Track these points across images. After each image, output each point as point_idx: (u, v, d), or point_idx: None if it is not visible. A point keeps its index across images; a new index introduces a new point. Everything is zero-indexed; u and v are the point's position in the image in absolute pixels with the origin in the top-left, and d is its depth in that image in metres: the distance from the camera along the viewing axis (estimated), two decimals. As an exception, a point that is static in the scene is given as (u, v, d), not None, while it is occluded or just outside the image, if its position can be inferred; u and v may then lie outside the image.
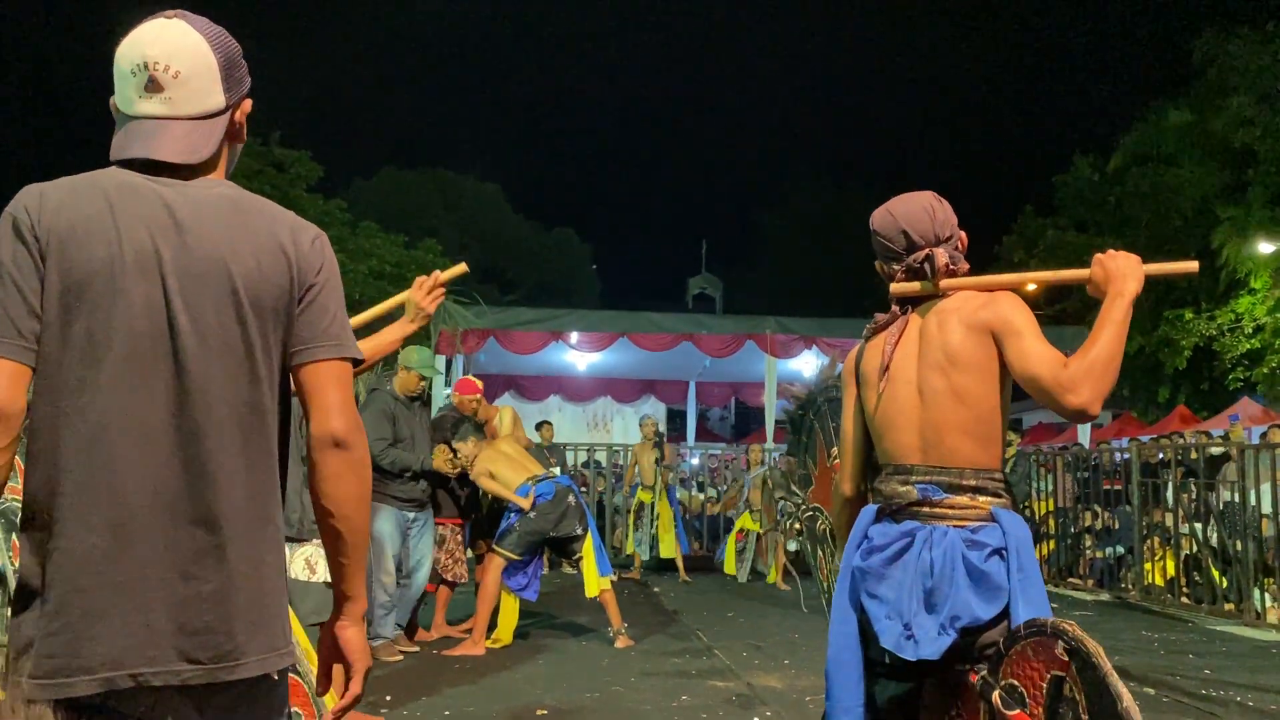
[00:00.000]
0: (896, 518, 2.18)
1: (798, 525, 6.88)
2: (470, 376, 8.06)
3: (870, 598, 2.16)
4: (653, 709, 4.83)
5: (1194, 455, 9.91)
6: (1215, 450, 10.11)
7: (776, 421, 13.11)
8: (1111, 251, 2.11)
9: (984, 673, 2.04)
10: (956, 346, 2.14)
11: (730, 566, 10.79)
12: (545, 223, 38.16)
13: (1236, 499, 8.49)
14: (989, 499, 2.13)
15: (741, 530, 10.86)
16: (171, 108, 1.48)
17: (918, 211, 2.29)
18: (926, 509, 2.14)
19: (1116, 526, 10.03)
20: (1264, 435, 11.11)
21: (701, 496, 13.76)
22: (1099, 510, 10.34)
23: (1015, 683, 1.96)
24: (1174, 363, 22.42)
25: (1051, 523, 10.81)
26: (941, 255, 2.25)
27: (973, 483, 2.13)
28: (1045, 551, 10.68)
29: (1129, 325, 2.03)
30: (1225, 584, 8.37)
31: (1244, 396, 19.68)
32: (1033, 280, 2.35)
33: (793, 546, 9.61)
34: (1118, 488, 10.16)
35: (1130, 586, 9.30)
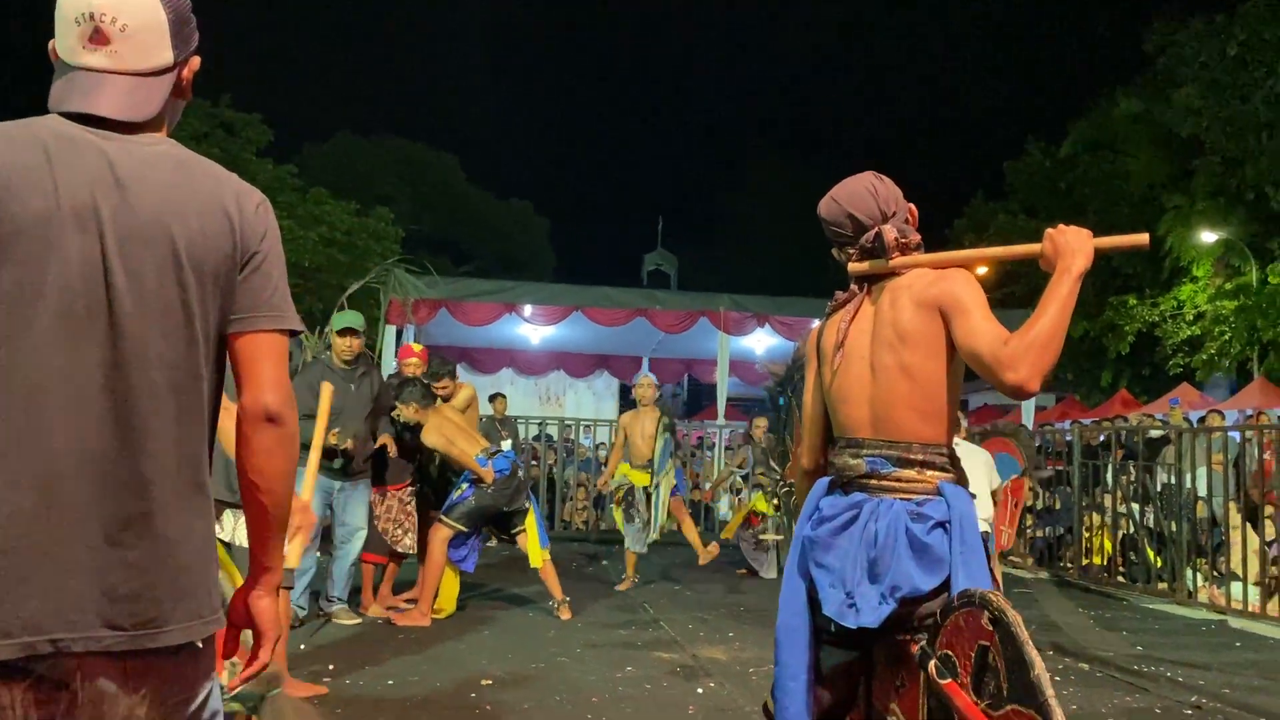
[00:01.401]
0: (846, 489, 2.23)
1: (776, 500, 6.99)
2: (410, 343, 8.02)
3: (817, 567, 2.20)
4: (597, 680, 4.86)
5: (1136, 439, 10.12)
6: (1155, 433, 10.34)
7: (739, 399, 13.18)
8: (1062, 226, 2.12)
9: (923, 643, 2.08)
10: (906, 323, 2.18)
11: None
12: (502, 195, 37.87)
13: (1173, 481, 8.70)
14: (936, 473, 2.17)
15: (757, 514, 9.01)
16: (117, 62, 1.43)
17: (860, 192, 2.33)
18: (875, 481, 2.18)
19: (1057, 507, 10.23)
20: (1202, 420, 11.39)
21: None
22: (1040, 490, 10.54)
23: (949, 653, 2.00)
24: (1117, 347, 22.90)
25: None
26: (890, 231, 2.29)
27: (920, 457, 2.17)
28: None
29: (1075, 301, 2.02)
30: (1160, 564, 8.59)
31: (1183, 382, 20.13)
32: (985, 256, 2.35)
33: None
34: (1060, 469, 10.35)
35: (1069, 565, 9.50)
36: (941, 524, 2.11)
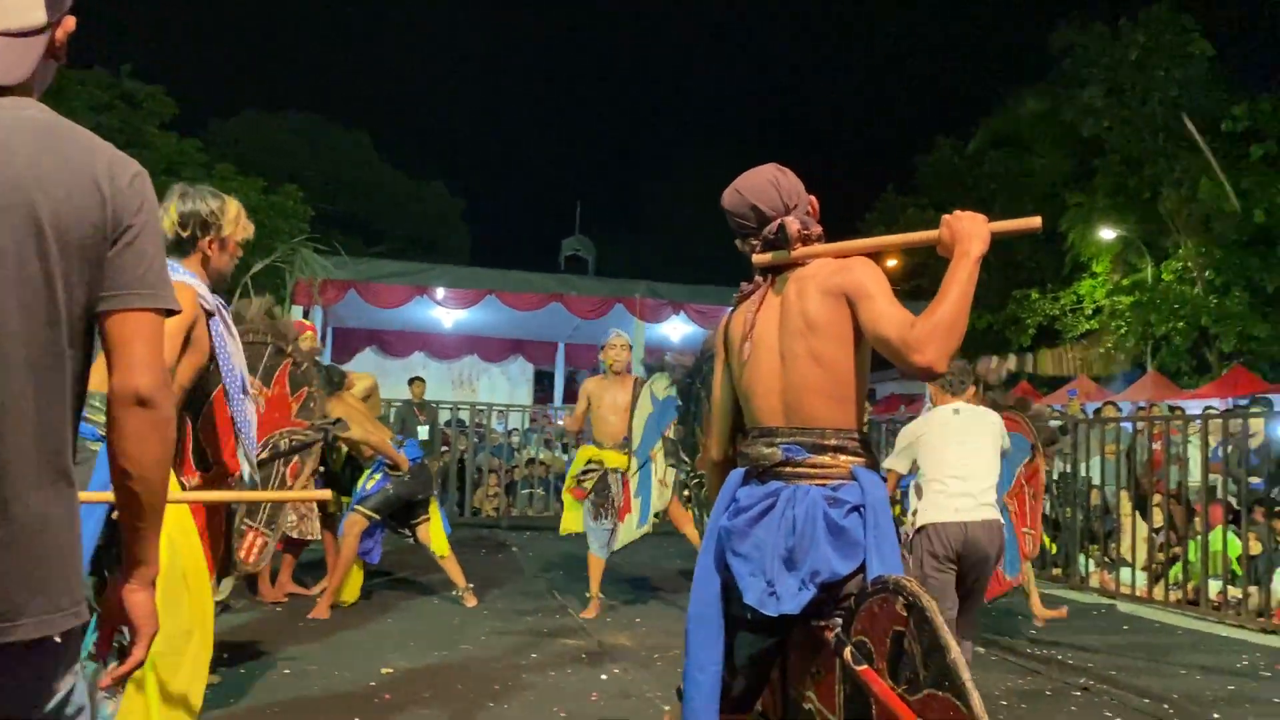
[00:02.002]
0: (762, 479, 2.24)
1: (687, 492, 6.81)
2: (300, 319, 7.79)
3: (735, 556, 2.21)
4: (501, 667, 4.82)
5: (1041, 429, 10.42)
6: (1053, 423, 10.65)
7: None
8: (958, 212, 2.20)
9: (838, 630, 2.10)
10: (814, 312, 2.21)
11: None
12: (417, 175, 37.24)
13: (1069, 470, 8.99)
14: (849, 458, 2.21)
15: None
16: None
17: (763, 185, 2.37)
18: (790, 469, 2.20)
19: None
20: (1097, 411, 11.78)
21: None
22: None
23: (865, 639, 2.03)
24: (1019, 340, 23.59)
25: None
26: (793, 223, 2.32)
27: (833, 442, 2.20)
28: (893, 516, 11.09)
29: (975, 284, 2.07)
30: (1055, 550, 8.87)
31: (1081, 374, 20.82)
32: (884, 244, 2.39)
33: None
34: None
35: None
36: (857, 508, 2.14)
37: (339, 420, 3.79)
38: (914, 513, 4.56)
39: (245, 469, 2.99)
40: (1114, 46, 21.16)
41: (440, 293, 13.80)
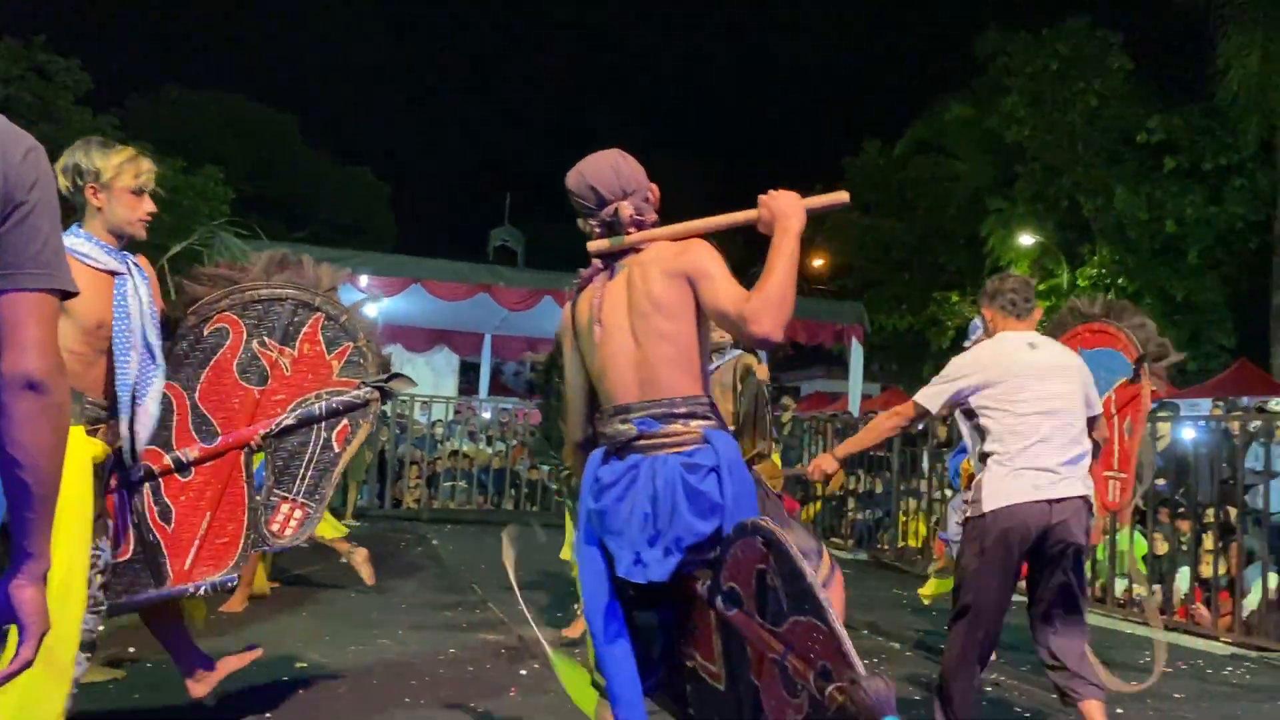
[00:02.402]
0: (620, 454, 2.34)
1: (558, 485, 6.82)
2: None
3: (607, 534, 2.32)
4: (419, 662, 4.76)
5: (958, 430, 10.64)
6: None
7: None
8: (774, 192, 2.31)
9: (708, 583, 2.20)
10: (659, 293, 2.33)
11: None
12: (344, 159, 36.56)
13: (984, 469, 9.18)
14: (700, 422, 2.32)
15: None
16: None
17: (603, 168, 2.49)
18: (646, 441, 2.30)
19: (879, 491, 10.67)
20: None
21: (490, 451, 13.68)
22: (862, 475, 10.97)
23: (734, 585, 2.12)
24: (939, 342, 24.09)
25: (819, 485, 11.38)
26: (626, 208, 2.44)
27: (684, 410, 2.32)
28: (812, 512, 11.25)
29: (798, 256, 2.24)
30: (968, 547, 9.05)
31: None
32: (711, 225, 2.45)
33: None
34: (881, 454, 10.79)
35: (886, 547, 9.92)
36: (713, 469, 2.24)
37: (399, 374, 3.49)
38: (972, 492, 3.60)
39: (128, 443, 2.84)
40: (1037, 56, 21.70)
41: (364, 280, 13.56)
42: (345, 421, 3.36)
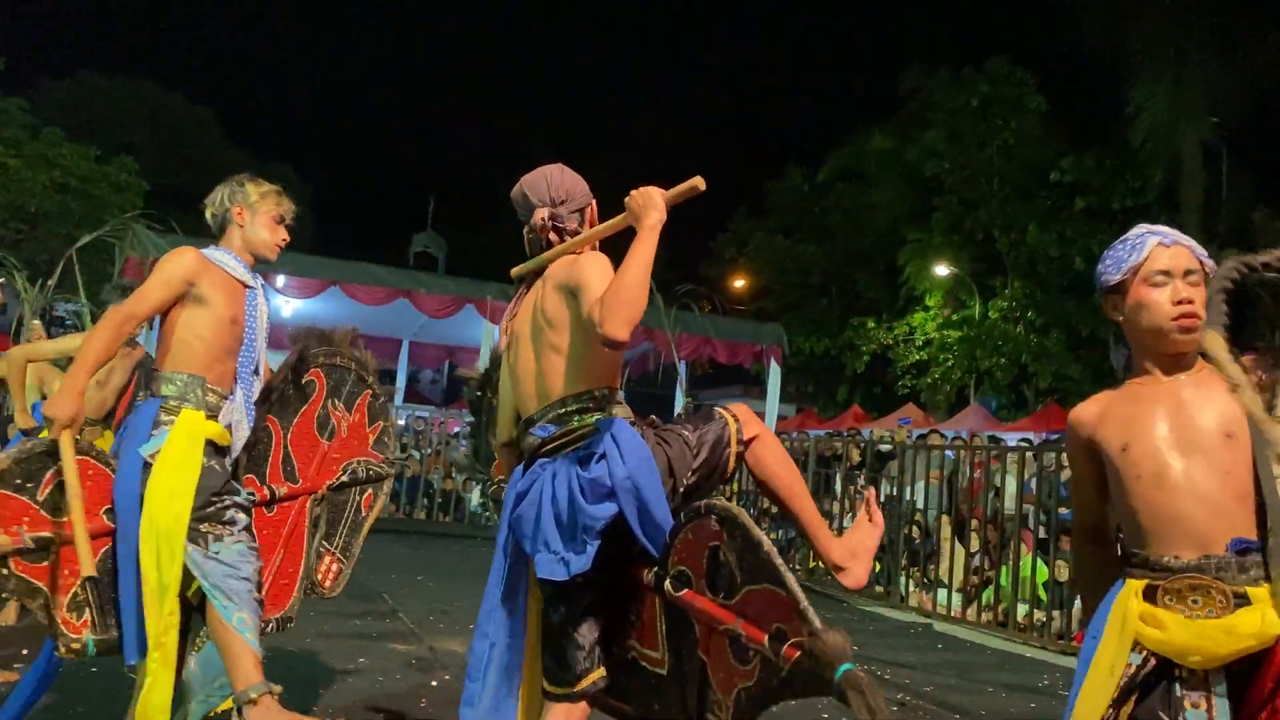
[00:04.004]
0: (529, 464, 2.43)
1: (484, 499, 6.81)
2: None
3: (524, 539, 2.39)
4: (327, 672, 4.66)
5: (873, 452, 10.85)
6: (883, 447, 11.13)
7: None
8: (637, 190, 2.33)
9: (655, 569, 2.24)
10: (549, 309, 2.40)
11: None
12: (263, 156, 35.79)
13: (895, 493, 9.38)
14: (593, 414, 2.36)
15: None
16: None
17: (537, 177, 2.58)
18: (549, 447, 2.38)
19: (792, 512, 10.80)
20: (923, 438, 12.35)
21: (404, 458, 13.48)
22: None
23: (683, 567, 2.17)
24: (854, 366, 24.53)
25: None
26: (540, 213, 2.52)
27: (574, 407, 2.38)
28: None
29: (653, 253, 2.22)
30: (878, 569, 9.23)
31: (909, 402, 21.81)
32: (597, 233, 2.51)
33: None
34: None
35: (798, 567, 10.04)
36: (604, 454, 2.26)
37: (405, 458, 3.90)
38: None
39: (235, 437, 3.05)
40: (957, 93, 22.35)
41: (281, 280, 13.32)
42: (370, 490, 3.64)
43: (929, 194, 23.43)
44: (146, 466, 2.81)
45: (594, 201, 2.60)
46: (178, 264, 2.99)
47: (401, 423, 15.34)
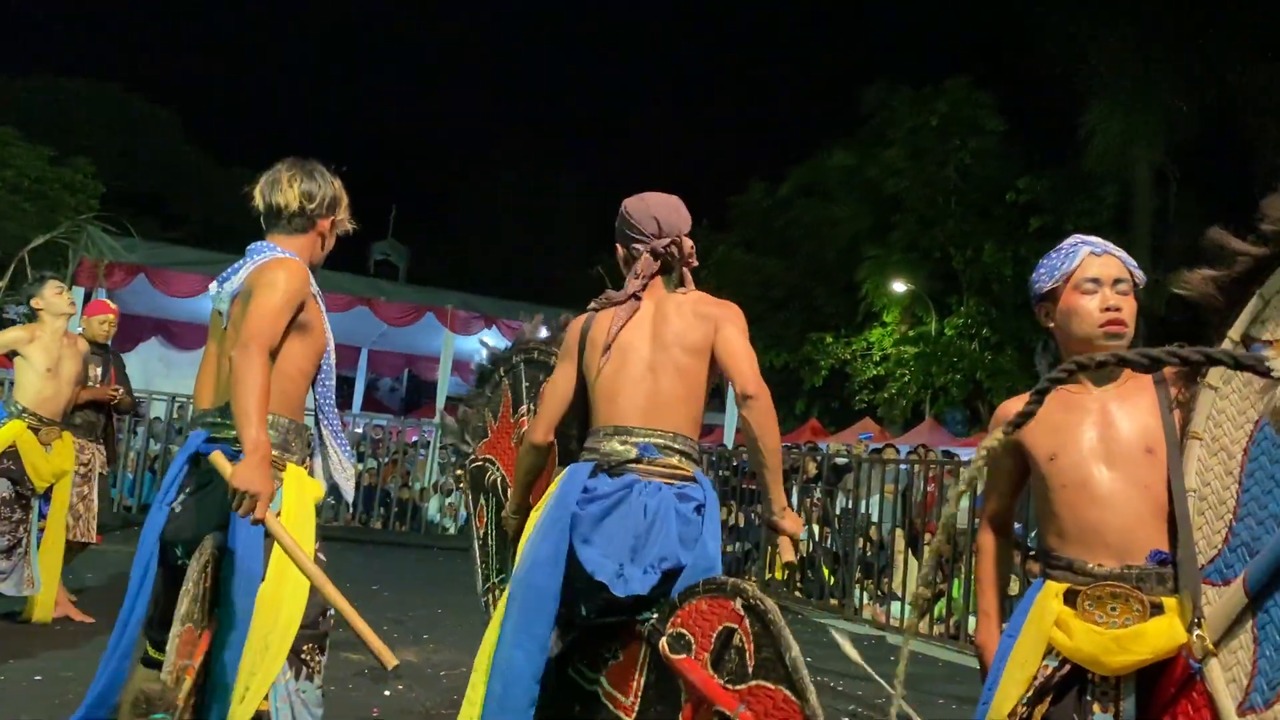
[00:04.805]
0: (614, 472, 2.39)
1: (459, 471, 6.79)
2: (104, 299, 7.21)
3: (584, 543, 2.32)
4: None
5: (829, 465, 10.94)
6: (840, 460, 11.24)
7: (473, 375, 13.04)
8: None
9: (653, 621, 2.25)
10: (692, 335, 2.47)
11: None
12: (225, 159, 35.39)
13: (851, 506, 9.48)
14: (692, 464, 2.43)
15: None
16: None
17: (669, 205, 2.66)
18: (644, 465, 2.38)
19: (755, 522, 10.85)
20: (878, 452, 12.48)
21: (360, 466, 13.39)
22: (733, 507, 11.15)
23: (684, 631, 2.17)
24: (812, 380, 24.71)
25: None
26: (688, 242, 2.62)
27: (681, 447, 2.42)
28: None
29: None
30: (833, 582, 9.31)
31: (866, 417, 22.00)
32: None
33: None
34: (753, 487, 10.99)
35: (753, 578, 10.10)
36: (699, 506, 2.35)
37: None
38: None
39: (342, 483, 2.73)
40: (918, 112, 22.65)
41: (239, 286, 13.18)
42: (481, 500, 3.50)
43: (888, 211, 23.69)
44: (268, 540, 2.35)
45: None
46: (302, 280, 2.50)
47: (359, 431, 15.23)
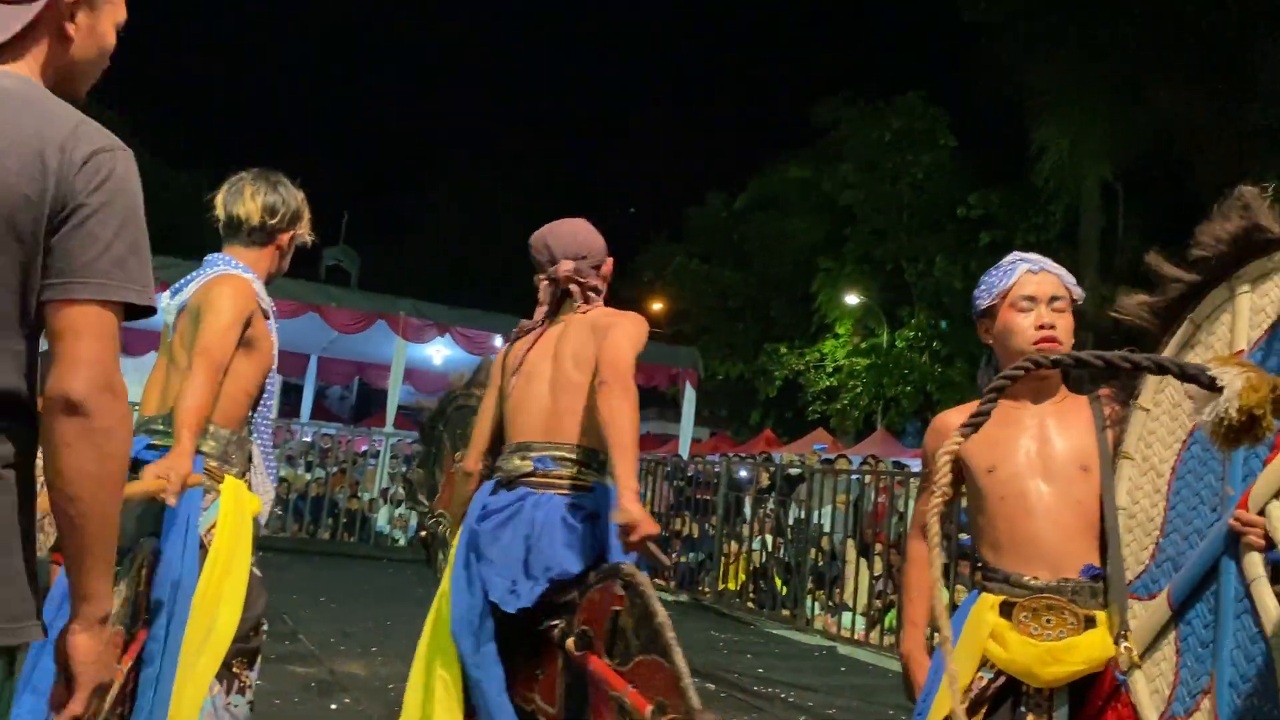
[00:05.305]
0: (511, 486, 2.43)
1: (424, 533, 6.74)
2: None
3: (482, 560, 2.36)
4: (222, 695, 4.52)
5: (783, 476, 10.98)
6: (793, 471, 11.29)
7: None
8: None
9: (561, 624, 2.28)
10: (583, 351, 2.47)
11: None
12: (176, 164, 34.83)
13: (804, 516, 9.51)
14: (591, 473, 2.44)
15: None
16: None
17: (563, 230, 2.66)
18: (538, 478, 2.41)
19: (710, 533, 10.85)
20: (830, 462, 12.55)
21: (308, 476, 13.20)
22: (687, 518, 11.16)
23: (587, 628, 2.21)
24: (767, 390, 24.86)
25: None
26: (565, 265, 2.59)
27: (577, 457, 2.44)
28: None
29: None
30: (785, 592, 9.34)
31: (819, 428, 22.16)
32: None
33: None
34: (708, 498, 11.01)
35: (707, 590, 10.10)
36: (592, 515, 2.36)
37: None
38: None
39: (263, 502, 2.68)
40: (872, 127, 22.93)
41: (187, 291, 12.95)
42: None
43: (842, 224, 23.94)
44: (203, 550, 2.37)
45: (610, 260, 2.70)
46: (248, 297, 2.50)
47: (307, 440, 15.01)
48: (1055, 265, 2.18)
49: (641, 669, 2.01)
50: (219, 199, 2.62)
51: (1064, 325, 2.10)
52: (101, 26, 1.39)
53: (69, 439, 1.21)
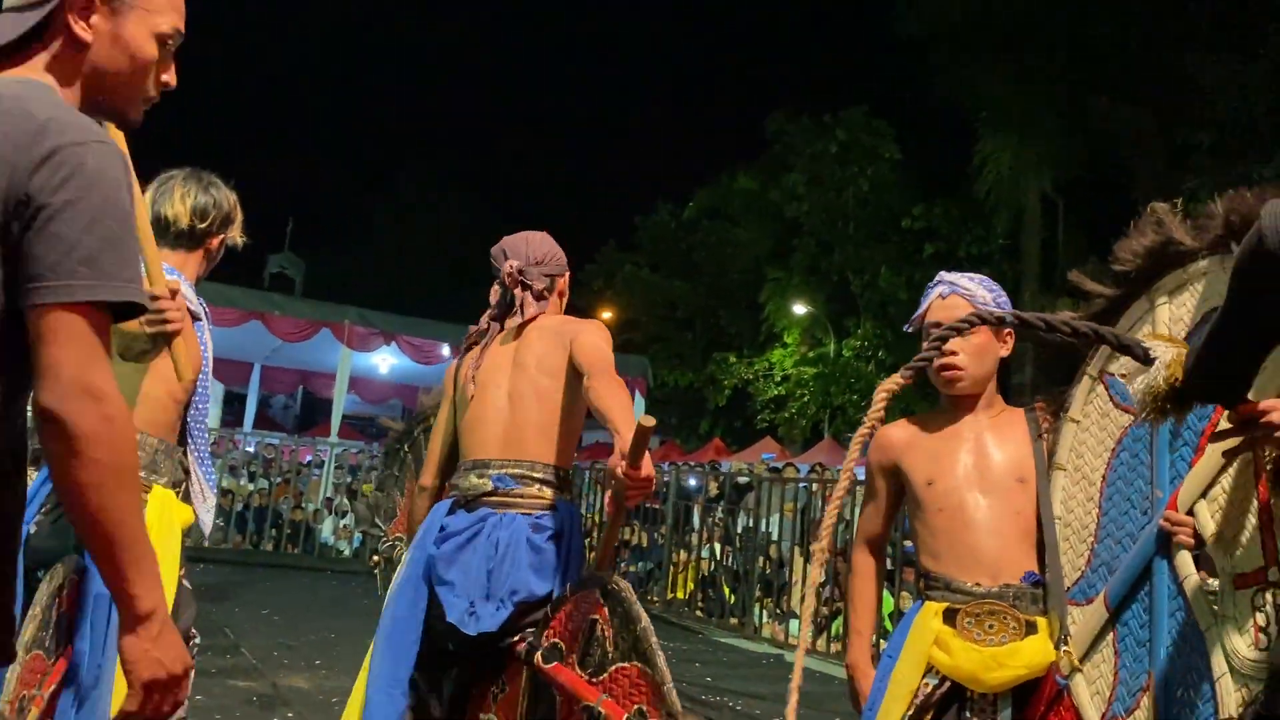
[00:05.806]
0: (470, 507, 2.32)
1: (377, 557, 6.65)
2: None
3: (441, 583, 2.26)
4: (160, 711, 4.43)
5: (731, 484, 11.02)
6: (742, 480, 11.34)
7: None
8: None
9: (529, 639, 2.21)
10: (541, 351, 2.38)
11: None
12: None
13: (751, 524, 9.56)
14: (553, 491, 2.34)
15: None
16: None
17: (518, 239, 2.58)
18: (498, 497, 2.31)
19: (659, 542, 10.85)
20: (778, 471, 12.63)
21: (251, 487, 13.00)
22: (636, 527, 11.15)
23: (557, 641, 2.16)
24: (716, 399, 24.97)
25: (595, 535, 11.46)
26: (511, 263, 2.50)
27: (540, 475, 2.34)
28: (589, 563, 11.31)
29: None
30: (734, 600, 9.37)
31: (767, 436, 22.29)
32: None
33: None
34: (656, 507, 11.01)
35: (656, 599, 10.10)
36: (556, 535, 2.28)
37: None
38: None
39: (201, 513, 2.55)
40: (818, 139, 23.19)
41: (126, 298, 12.69)
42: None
43: (789, 235, 24.16)
44: None
45: (569, 274, 2.61)
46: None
47: (250, 450, 14.77)
48: (970, 283, 2.23)
49: (619, 676, 1.99)
50: (147, 196, 2.47)
51: (967, 349, 2.14)
52: (128, 34, 1.33)
53: (56, 450, 1.18)
